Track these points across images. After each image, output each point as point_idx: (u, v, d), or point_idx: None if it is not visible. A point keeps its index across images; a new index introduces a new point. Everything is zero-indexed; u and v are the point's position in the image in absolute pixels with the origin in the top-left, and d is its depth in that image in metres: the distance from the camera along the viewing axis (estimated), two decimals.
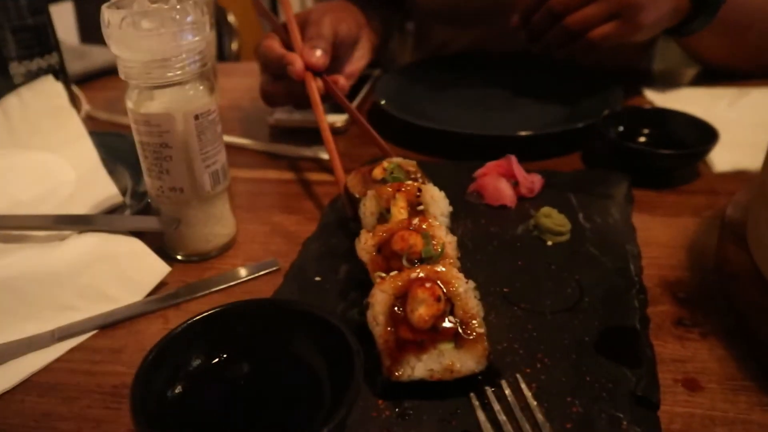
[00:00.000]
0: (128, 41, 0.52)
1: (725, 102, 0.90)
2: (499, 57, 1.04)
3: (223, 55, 1.42)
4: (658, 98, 0.94)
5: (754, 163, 0.73)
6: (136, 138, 0.57)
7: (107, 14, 0.52)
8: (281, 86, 0.81)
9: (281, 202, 0.72)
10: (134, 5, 0.55)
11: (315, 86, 0.75)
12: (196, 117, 0.56)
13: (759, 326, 0.49)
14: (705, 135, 0.72)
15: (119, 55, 0.54)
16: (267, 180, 0.78)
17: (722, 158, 0.75)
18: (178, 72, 0.54)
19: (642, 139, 0.78)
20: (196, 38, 0.54)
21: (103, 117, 0.96)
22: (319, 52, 0.77)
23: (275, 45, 0.80)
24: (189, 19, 0.53)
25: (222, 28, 1.43)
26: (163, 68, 0.54)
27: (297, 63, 0.76)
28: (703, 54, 1.00)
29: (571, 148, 0.80)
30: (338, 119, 0.87)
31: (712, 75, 1.05)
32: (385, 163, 0.61)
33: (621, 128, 0.78)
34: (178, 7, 0.53)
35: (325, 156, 0.81)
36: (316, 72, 0.77)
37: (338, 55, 0.84)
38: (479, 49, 1.07)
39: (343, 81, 0.80)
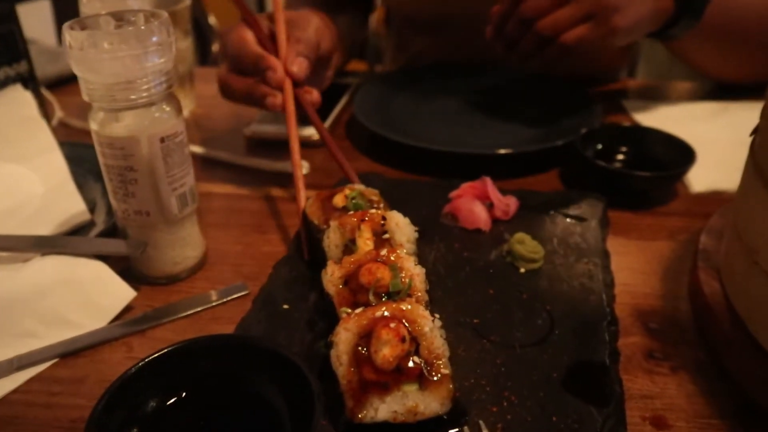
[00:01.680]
0: (90, 63, 0.51)
1: (704, 118, 0.90)
2: (478, 67, 1.03)
3: (205, 57, 1.39)
4: (638, 112, 0.94)
5: (730, 184, 0.72)
6: (101, 160, 0.56)
7: (68, 35, 0.50)
8: (244, 84, 0.74)
9: (255, 220, 0.71)
10: (99, 23, 0.54)
11: (292, 95, 0.72)
12: (162, 140, 0.55)
13: (731, 362, 0.49)
14: (682, 155, 0.71)
15: (81, 76, 0.52)
16: (242, 196, 0.76)
17: (699, 178, 0.74)
18: (143, 94, 0.53)
19: (620, 157, 0.77)
20: (162, 60, 0.53)
21: (76, 125, 0.94)
22: (302, 60, 0.73)
23: (250, 39, 0.75)
24: (154, 39, 0.52)
25: (203, 30, 1.41)
26: (128, 90, 0.52)
27: (279, 70, 0.72)
28: (695, 62, 0.97)
29: (549, 165, 0.79)
30: (315, 131, 0.85)
31: (692, 89, 1.05)
32: (347, 191, 0.59)
33: (599, 146, 0.77)
34: (143, 27, 0.51)
35: (303, 171, 0.79)
36: (294, 82, 0.74)
37: (314, 68, 0.79)
38: (459, 60, 1.06)
39: (317, 93, 0.76)
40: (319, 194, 0.62)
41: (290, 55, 0.74)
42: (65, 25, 0.51)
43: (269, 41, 0.75)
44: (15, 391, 0.50)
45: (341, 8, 1.02)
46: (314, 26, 0.78)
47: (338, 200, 0.59)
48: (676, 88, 1.07)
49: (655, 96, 1.03)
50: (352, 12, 1.09)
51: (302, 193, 0.66)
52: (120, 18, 0.54)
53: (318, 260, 0.57)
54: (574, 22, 0.76)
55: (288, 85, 0.73)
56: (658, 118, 0.90)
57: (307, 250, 0.61)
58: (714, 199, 0.72)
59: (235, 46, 0.74)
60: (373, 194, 0.61)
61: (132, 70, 0.52)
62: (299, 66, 0.73)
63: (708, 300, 0.52)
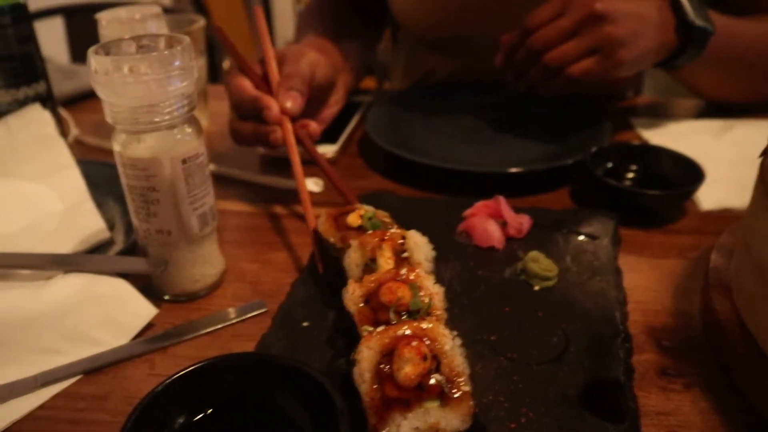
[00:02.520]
0: (115, 87, 0.52)
1: (711, 135, 0.91)
2: (490, 84, 1.04)
3: (215, 74, 1.41)
4: (646, 130, 0.95)
5: (739, 201, 0.73)
6: (123, 181, 0.57)
7: (94, 61, 0.52)
8: (249, 127, 0.77)
9: (271, 237, 0.72)
10: (121, 47, 0.55)
11: (291, 130, 0.74)
12: (184, 161, 0.56)
13: (743, 379, 0.50)
14: (691, 173, 0.73)
15: (106, 100, 0.53)
16: (256, 213, 0.77)
17: (708, 196, 0.75)
18: (166, 117, 0.54)
19: (630, 175, 0.78)
20: (184, 83, 0.54)
21: (91, 142, 0.96)
22: (295, 95, 0.75)
23: (246, 86, 0.76)
24: (176, 63, 0.53)
25: (214, 48, 1.43)
26: (150, 113, 0.53)
27: (273, 108, 0.73)
28: (698, 88, 0.99)
29: (560, 183, 0.81)
30: (328, 150, 0.87)
31: (699, 106, 1.06)
32: (362, 211, 0.61)
33: (609, 164, 0.78)
34: (166, 52, 0.53)
35: (316, 189, 0.81)
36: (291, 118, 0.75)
37: (314, 96, 0.81)
38: (469, 78, 1.07)
39: (314, 126, 0.77)
40: (330, 213, 0.63)
41: (280, 90, 0.76)
42: (91, 50, 0.53)
43: (263, 84, 0.77)
44: (40, 407, 0.51)
45: (350, 31, 1.04)
46: (307, 59, 0.79)
47: (353, 220, 0.60)
48: (683, 105, 1.08)
49: (662, 113, 1.04)
50: (363, 34, 1.11)
51: (311, 217, 0.67)
52: (141, 42, 0.56)
53: (334, 276, 0.59)
54: (580, 55, 0.79)
55: (286, 120, 0.74)
56: (667, 135, 0.92)
57: (321, 265, 0.62)
58: (723, 216, 0.73)
59: (234, 93, 0.77)
60: (385, 216, 0.62)
61: (155, 94, 0.53)
62: (291, 100, 0.75)
63: (719, 318, 0.53)
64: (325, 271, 0.62)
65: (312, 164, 0.76)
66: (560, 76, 0.80)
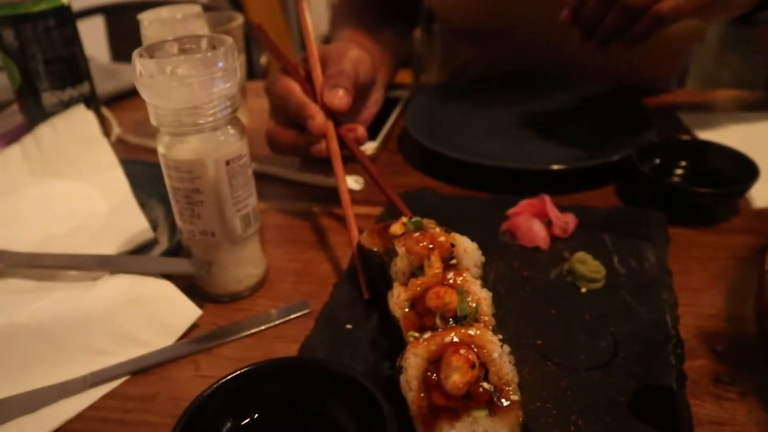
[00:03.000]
0: (160, 90, 0.52)
1: (763, 130, 0.88)
2: (530, 77, 1.02)
3: (252, 70, 1.42)
4: (694, 124, 0.92)
5: None
6: (168, 182, 0.57)
7: (139, 64, 0.52)
8: (290, 135, 0.75)
9: (312, 236, 0.72)
10: (164, 49, 0.55)
11: (335, 137, 0.71)
12: (227, 162, 0.56)
13: None
14: (745, 169, 0.70)
15: (150, 102, 0.54)
16: (297, 212, 0.77)
17: (762, 193, 0.73)
18: (210, 119, 0.54)
19: (679, 171, 0.76)
20: (227, 85, 0.54)
21: (133, 141, 0.97)
22: (341, 92, 0.72)
23: (295, 89, 0.73)
24: (220, 65, 0.53)
25: (251, 44, 1.43)
26: (194, 115, 0.54)
27: (318, 117, 0.70)
28: None
29: (605, 180, 0.79)
30: (368, 147, 0.86)
31: (747, 99, 1.03)
32: (404, 219, 0.58)
33: (657, 161, 0.76)
34: (209, 54, 0.53)
35: (356, 187, 0.80)
36: (335, 119, 0.73)
37: (356, 96, 0.77)
38: (506, 71, 1.05)
39: (362, 130, 0.75)
40: (373, 228, 0.61)
41: (325, 89, 0.72)
42: (135, 53, 0.53)
43: (307, 85, 0.74)
44: (90, 408, 0.52)
45: (386, 23, 1.03)
46: (351, 57, 0.76)
47: (396, 229, 0.58)
48: (732, 99, 1.04)
49: (710, 107, 1.01)
50: (398, 25, 1.09)
51: (353, 228, 0.65)
52: (183, 44, 0.56)
53: (379, 291, 0.57)
54: None
55: (330, 128, 0.72)
56: (715, 129, 0.89)
57: (366, 290, 0.60)
58: None
59: (281, 97, 0.74)
60: (430, 222, 0.59)
61: (199, 96, 0.53)
62: (337, 98, 0.72)
63: None
64: (370, 296, 0.59)
65: (353, 161, 0.74)
66: (644, 18, 0.72)
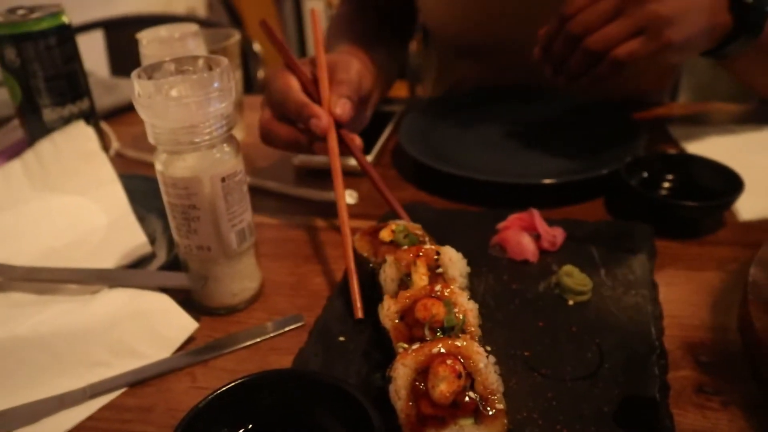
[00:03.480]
0: (157, 110, 0.54)
1: (751, 144, 0.90)
2: (522, 93, 1.04)
3: (249, 84, 1.44)
4: (683, 138, 0.93)
5: None
6: (165, 199, 0.59)
7: (138, 85, 0.53)
8: (287, 130, 0.75)
9: (306, 250, 0.74)
10: (162, 68, 0.57)
11: (336, 140, 0.72)
12: (223, 179, 0.57)
13: None
14: (730, 183, 0.72)
15: (148, 122, 0.55)
16: (293, 225, 0.79)
17: (748, 206, 0.74)
18: (206, 137, 0.56)
19: (666, 185, 0.78)
20: (223, 104, 0.56)
21: (131, 155, 0.98)
22: (347, 103, 0.73)
23: (296, 86, 0.74)
24: (216, 85, 0.55)
25: (247, 58, 1.45)
26: (191, 134, 0.55)
27: (324, 118, 0.71)
28: (753, 83, 0.92)
29: (594, 194, 0.80)
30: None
31: (738, 113, 1.05)
32: (393, 226, 0.61)
33: (645, 174, 0.78)
34: (205, 75, 0.55)
35: (350, 201, 0.82)
36: (337, 126, 0.74)
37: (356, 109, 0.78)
38: (502, 85, 1.07)
39: (359, 140, 0.76)
40: (365, 231, 0.64)
41: (333, 97, 0.74)
42: (134, 74, 0.55)
43: (313, 86, 0.75)
44: (89, 419, 0.53)
45: (380, 41, 1.05)
46: (355, 68, 0.78)
47: (385, 235, 0.61)
48: (722, 112, 1.06)
49: (700, 121, 1.02)
50: (391, 43, 1.11)
51: (348, 235, 0.65)
52: (181, 64, 0.58)
53: (371, 295, 0.59)
54: (624, 37, 0.74)
55: (332, 132, 0.72)
56: (705, 144, 0.90)
57: (359, 310, 0.60)
58: (763, 227, 0.72)
59: (281, 92, 0.74)
60: (417, 228, 0.63)
61: (195, 115, 0.55)
62: (343, 108, 0.73)
63: (759, 334, 0.52)
64: (364, 318, 0.59)
65: (346, 175, 0.76)
66: (604, 62, 0.75)
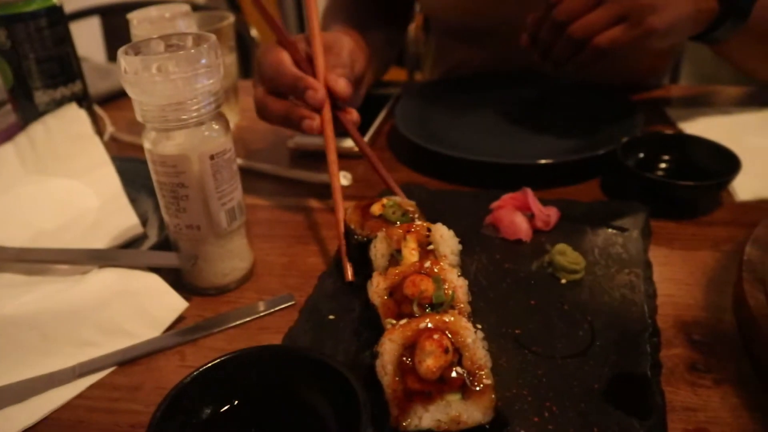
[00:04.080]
0: (144, 86, 0.53)
1: (750, 125, 0.89)
2: (518, 76, 1.03)
3: (247, 70, 1.43)
4: (681, 120, 0.93)
5: None
6: (154, 177, 0.58)
7: (124, 61, 0.53)
8: (282, 106, 0.74)
9: (299, 231, 0.73)
10: (151, 46, 0.56)
11: (330, 117, 0.72)
12: (212, 157, 0.57)
13: None
14: (727, 163, 0.71)
15: (135, 98, 0.55)
16: (286, 207, 0.78)
17: (745, 186, 0.73)
18: (194, 114, 0.55)
19: (663, 165, 0.77)
20: (210, 81, 0.55)
21: (126, 139, 0.98)
22: (344, 81, 0.73)
23: (288, 61, 0.74)
24: (203, 62, 0.54)
25: (245, 44, 1.44)
26: (178, 111, 0.55)
27: (321, 91, 0.71)
28: (744, 66, 0.92)
29: (591, 175, 0.79)
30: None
31: (738, 95, 1.03)
32: (385, 201, 0.62)
33: (641, 155, 0.77)
34: (192, 51, 0.54)
35: (344, 182, 0.81)
36: (334, 104, 0.74)
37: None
38: (498, 69, 1.06)
39: (356, 114, 0.76)
40: (358, 204, 0.64)
41: (331, 76, 0.74)
42: (120, 51, 0.54)
43: (305, 62, 0.75)
44: (78, 397, 0.53)
45: (377, 23, 1.04)
46: (348, 49, 0.78)
47: (375, 209, 0.61)
48: (720, 94, 1.05)
49: (698, 103, 1.01)
50: (388, 27, 1.10)
51: (341, 209, 0.66)
52: (170, 41, 0.57)
53: (361, 272, 0.59)
54: (607, 24, 0.75)
55: (327, 106, 0.72)
56: (702, 125, 0.89)
57: (349, 272, 0.61)
58: (761, 207, 0.71)
59: (273, 67, 0.74)
60: (410, 205, 0.62)
61: (183, 92, 0.54)
62: (343, 86, 0.73)
63: (753, 312, 0.52)
64: (354, 281, 0.61)
65: (341, 157, 0.75)
66: (587, 49, 0.76)
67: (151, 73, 0.53)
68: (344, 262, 0.62)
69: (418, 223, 0.56)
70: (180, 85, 0.54)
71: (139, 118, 0.56)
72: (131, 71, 0.53)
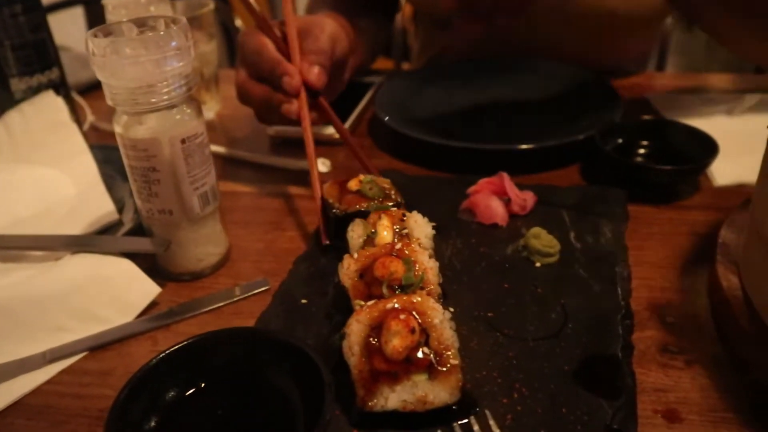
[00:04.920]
0: (113, 68, 0.53)
1: (728, 110, 0.88)
2: (501, 62, 1.03)
3: (232, 59, 1.42)
4: (662, 106, 0.92)
5: (754, 176, 0.71)
6: (126, 162, 0.58)
7: (91, 44, 0.52)
8: (260, 89, 0.74)
9: (277, 217, 0.73)
10: (122, 30, 0.56)
11: (306, 103, 0.72)
12: (183, 141, 0.56)
13: (746, 355, 0.48)
14: (705, 147, 0.71)
15: (105, 82, 0.54)
16: (264, 194, 0.78)
17: (723, 171, 0.73)
18: (164, 97, 0.55)
19: (642, 151, 0.77)
20: (181, 63, 0.55)
21: (106, 128, 0.97)
22: (318, 70, 0.73)
23: (269, 46, 0.73)
24: (173, 44, 0.54)
25: (230, 33, 1.43)
26: (149, 94, 0.54)
27: (296, 77, 0.71)
28: (724, 40, 0.84)
29: (570, 161, 0.79)
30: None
31: (720, 82, 1.03)
32: (361, 176, 0.63)
33: (620, 140, 0.77)
34: (162, 33, 0.53)
35: (324, 169, 0.81)
36: (314, 92, 0.73)
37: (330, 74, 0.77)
38: (479, 57, 1.06)
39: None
40: (335, 180, 0.65)
41: (304, 64, 0.73)
42: (89, 33, 0.53)
43: (285, 47, 0.74)
44: (47, 382, 0.52)
45: (365, 11, 1.03)
46: (328, 32, 0.77)
47: (352, 184, 0.62)
48: (703, 81, 1.05)
49: (681, 90, 1.01)
50: (376, 14, 1.10)
51: (318, 189, 0.67)
52: (142, 24, 0.56)
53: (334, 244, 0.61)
54: None
55: (303, 93, 0.72)
56: (683, 110, 0.89)
57: (325, 236, 0.64)
58: (738, 192, 0.71)
59: (254, 51, 0.74)
60: (385, 182, 0.64)
61: (152, 75, 0.54)
62: (316, 75, 0.72)
63: (726, 294, 0.52)
64: (330, 243, 0.63)
65: (321, 145, 0.75)
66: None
67: (119, 56, 0.53)
68: (321, 226, 0.64)
69: (394, 209, 0.56)
70: (149, 68, 0.53)
71: (109, 102, 0.56)
72: (99, 53, 0.52)
